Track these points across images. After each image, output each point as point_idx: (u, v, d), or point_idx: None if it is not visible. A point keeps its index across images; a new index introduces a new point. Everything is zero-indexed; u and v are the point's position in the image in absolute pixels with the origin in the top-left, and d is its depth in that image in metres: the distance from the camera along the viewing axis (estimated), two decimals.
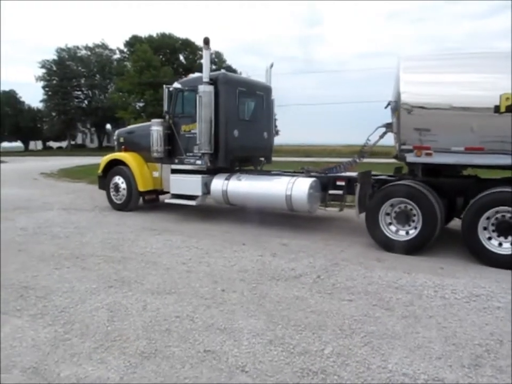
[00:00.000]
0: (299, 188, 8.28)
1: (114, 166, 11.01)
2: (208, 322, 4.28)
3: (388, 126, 7.96)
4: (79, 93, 70.32)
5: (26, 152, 67.16)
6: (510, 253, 6.29)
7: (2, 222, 9.25)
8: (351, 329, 4.19)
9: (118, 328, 4.15)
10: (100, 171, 11.41)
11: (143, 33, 75.95)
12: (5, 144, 79.94)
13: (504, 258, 6.29)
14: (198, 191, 9.49)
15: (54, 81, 66.14)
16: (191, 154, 9.65)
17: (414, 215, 6.99)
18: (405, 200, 7.00)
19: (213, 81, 9.18)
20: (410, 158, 7.23)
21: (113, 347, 3.78)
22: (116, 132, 11.84)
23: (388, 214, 7.23)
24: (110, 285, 5.31)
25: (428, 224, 6.82)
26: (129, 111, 62.28)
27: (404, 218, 7.10)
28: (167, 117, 9.92)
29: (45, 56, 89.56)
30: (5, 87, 78.09)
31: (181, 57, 72.04)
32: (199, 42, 73.11)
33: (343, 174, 8.61)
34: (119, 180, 10.77)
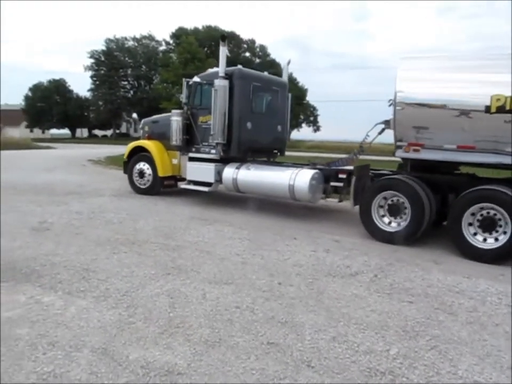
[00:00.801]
0: (301, 178, 8.72)
1: (138, 153, 11.64)
2: (269, 314, 4.26)
3: (386, 123, 8.10)
4: (126, 83, 71.80)
5: (73, 139, 69.22)
6: (491, 247, 6.56)
7: (58, 205, 9.54)
8: (414, 331, 4.08)
9: (180, 315, 4.18)
10: (125, 157, 12.08)
11: (189, 25, 76.65)
12: (53, 131, 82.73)
13: (486, 253, 6.59)
14: (211, 178, 10.08)
15: (102, 71, 67.78)
16: (206, 144, 10.19)
17: (405, 208, 7.33)
18: (395, 193, 7.42)
19: (228, 76, 9.70)
20: (398, 153, 7.66)
21: (177, 333, 3.80)
22: (142, 121, 12.44)
23: (381, 207, 7.64)
24: (168, 272, 5.37)
25: (416, 216, 7.15)
26: (173, 102, 63.14)
27: (395, 210, 7.48)
28: (185, 108, 10.52)
29: (94, 47, 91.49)
30: (55, 76, 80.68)
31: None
32: (244, 35, 73.27)
33: (345, 167, 8.94)
34: (144, 166, 11.41)
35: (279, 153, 11.62)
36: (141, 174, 11.50)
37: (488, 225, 6.63)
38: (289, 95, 11.70)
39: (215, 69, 10.37)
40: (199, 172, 10.34)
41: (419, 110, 7.26)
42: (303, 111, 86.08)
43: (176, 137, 10.40)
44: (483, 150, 6.83)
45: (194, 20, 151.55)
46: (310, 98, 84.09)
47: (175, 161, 11.14)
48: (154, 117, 12.81)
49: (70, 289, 4.74)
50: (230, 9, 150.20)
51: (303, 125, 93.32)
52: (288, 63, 12.16)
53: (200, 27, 71.45)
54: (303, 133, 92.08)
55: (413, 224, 7.21)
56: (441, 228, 8.05)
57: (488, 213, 6.62)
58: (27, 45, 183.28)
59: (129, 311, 4.22)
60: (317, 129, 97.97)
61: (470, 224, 6.75)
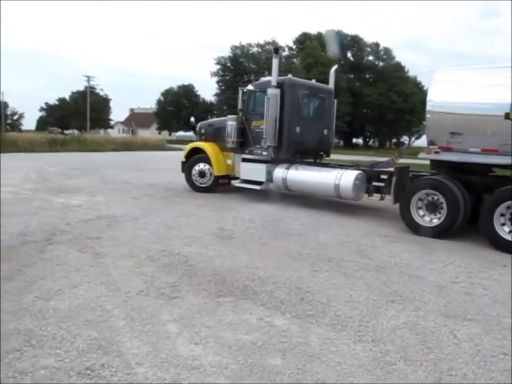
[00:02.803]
0: (346, 178, 9.53)
1: (196, 154, 12.46)
2: None
3: (423, 129, 8.85)
4: None
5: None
6: None
7: (227, 211, 9.54)
8: None
9: (442, 358, 3.57)
10: (183, 157, 12.85)
11: (313, 30, 76.55)
12: (180, 133, 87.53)
13: None
14: (262, 178, 11.02)
15: (227, 77, 70.10)
16: (259, 146, 11.07)
17: (442, 205, 7.93)
18: (433, 191, 8.06)
19: (280, 85, 10.53)
20: (421, 155, 8.53)
21: None
22: (198, 124, 13.21)
23: (421, 200, 8.24)
24: (391, 300, 4.81)
25: (451, 213, 7.77)
26: None
27: (433, 207, 8.10)
28: (240, 113, 11.39)
29: (219, 53, 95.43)
30: (184, 82, 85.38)
31: (349, 54, 71.05)
32: (368, 39, 71.42)
33: (386, 169, 9.70)
34: (205, 167, 12.17)
35: (324, 155, 12.46)
36: (202, 173, 12.24)
37: None
38: (335, 100, 12.37)
39: (267, 78, 11.40)
40: (252, 171, 11.28)
41: (447, 117, 7.98)
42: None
43: (231, 139, 11.28)
44: (505, 153, 7.40)
45: (318, 25, 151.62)
46: None
47: (229, 161, 11.98)
48: (210, 120, 13.80)
49: (296, 312, 4.38)
50: (353, 13, 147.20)
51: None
52: (335, 70, 12.85)
53: (324, 32, 71.04)
54: (424, 140, 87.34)
55: (448, 220, 7.81)
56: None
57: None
58: (157, 53, 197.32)
59: (380, 347, 3.72)
60: None
61: (502, 216, 7.33)
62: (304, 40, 68.11)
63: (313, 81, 12.56)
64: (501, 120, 7.20)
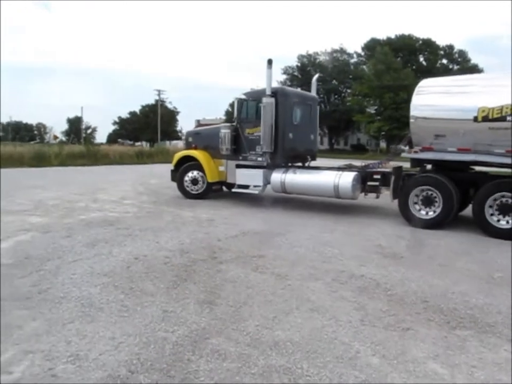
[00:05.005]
0: (345, 179, 10.24)
1: (185, 162, 12.69)
2: None
3: (410, 132, 9.55)
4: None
5: None
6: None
7: (367, 226, 9.09)
8: None
9: None
10: (173, 166, 13.07)
11: (381, 35, 74.83)
12: None
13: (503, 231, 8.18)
14: (260, 182, 11.45)
15: (295, 86, 69.96)
16: (253, 152, 11.50)
17: (436, 199, 8.90)
18: (429, 187, 8.97)
19: (273, 94, 10.97)
20: (404, 154, 9.66)
21: None
22: (185, 133, 13.77)
23: (416, 196, 9.15)
24: None
25: (447, 206, 8.73)
26: (366, 115, 62.01)
27: (428, 202, 9.00)
28: (235, 121, 11.82)
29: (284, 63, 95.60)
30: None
31: (421, 59, 68.89)
32: (441, 42, 68.77)
33: (379, 169, 10.83)
34: (198, 174, 12.49)
35: (311, 159, 12.76)
36: (194, 181, 12.54)
37: (505, 209, 8.19)
38: (318, 107, 13.20)
39: (260, 88, 11.63)
40: (249, 177, 11.66)
41: (427, 121, 8.92)
42: None
43: (225, 147, 11.63)
44: (477, 152, 8.45)
45: (387, 30, 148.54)
46: None
47: (221, 168, 12.27)
48: (197, 129, 14.20)
49: (497, 352, 3.83)
50: (424, 16, 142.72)
51: None
52: (317, 79, 13.81)
53: (393, 36, 69.26)
54: None
55: (444, 212, 8.76)
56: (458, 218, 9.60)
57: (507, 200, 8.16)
58: (223, 65, 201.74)
59: None
60: None
61: (491, 207, 8.34)
62: (373, 46, 66.66)
63: (299, 89, 13.65)
64: (471, 123, 8.23)
